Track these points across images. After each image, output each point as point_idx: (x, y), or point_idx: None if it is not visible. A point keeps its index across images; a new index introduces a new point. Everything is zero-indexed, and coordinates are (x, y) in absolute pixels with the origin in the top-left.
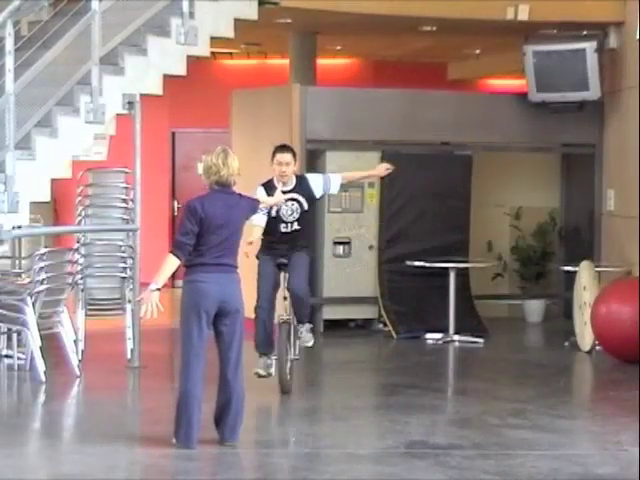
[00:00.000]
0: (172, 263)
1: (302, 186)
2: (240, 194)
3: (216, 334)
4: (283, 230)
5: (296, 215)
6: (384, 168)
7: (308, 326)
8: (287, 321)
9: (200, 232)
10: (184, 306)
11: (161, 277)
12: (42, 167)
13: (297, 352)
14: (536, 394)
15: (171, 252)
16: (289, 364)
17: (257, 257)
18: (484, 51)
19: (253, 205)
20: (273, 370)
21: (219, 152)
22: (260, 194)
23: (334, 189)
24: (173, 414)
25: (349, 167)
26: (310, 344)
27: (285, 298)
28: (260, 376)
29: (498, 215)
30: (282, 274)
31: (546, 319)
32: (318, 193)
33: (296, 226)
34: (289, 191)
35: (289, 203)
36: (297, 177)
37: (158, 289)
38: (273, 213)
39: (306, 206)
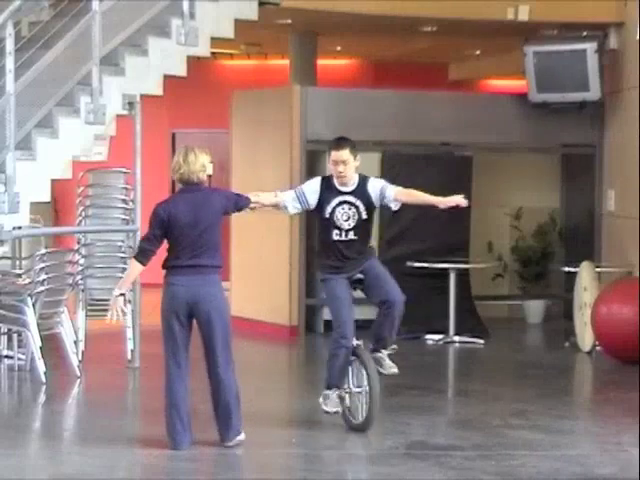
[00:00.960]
0: (135, 268)
1: (362, 189)
2: (213, 189)
3: (201, 337)
4: (336, 237)
5: (352, 223)
6: (457, 200)
7: (386, 352)
8: (359, 346)
9: (168, 234)
10: (161, 309)
11: (125, 282)
12: (42, 167)
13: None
14: (536, 395)
15: (134, 257)
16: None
17: (321, 280)
18: (484, 52)
19: (228, 198)
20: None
21: (180, 150)
22: (306, 186)
23: (393, 204)
24: None
25: None
26: (396, 371)
27: None
28: (331, 413)
29: (498, 216)
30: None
31: (546, 320)
32: (376, 202)
33: (352, 236)
34: (348, 193)
35: (345, 207)
36: (360, 177)
37: (122, 294)
38: (327, 214)
39: (365, 214)
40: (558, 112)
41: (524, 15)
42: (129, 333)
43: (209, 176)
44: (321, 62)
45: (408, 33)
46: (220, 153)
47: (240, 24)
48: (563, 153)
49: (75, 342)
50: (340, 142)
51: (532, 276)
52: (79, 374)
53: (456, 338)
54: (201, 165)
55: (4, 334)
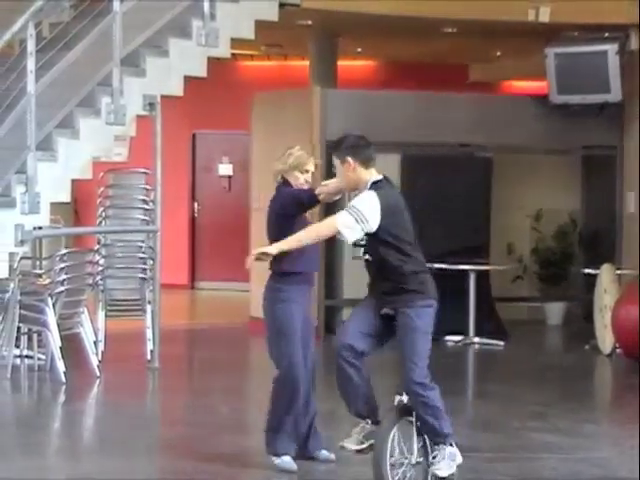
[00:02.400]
0: None
1: None
2: (279, 190)
3: None
4: (365, 258)
5: (362, 239)
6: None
7: (447, 451)
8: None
9: None
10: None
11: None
12: (63, 168)
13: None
14: (556, 397)
15: None
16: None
17: None
18: (505, 53)
19: (282, 197)
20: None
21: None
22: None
23: None
24: (192, 415)
25: None
26: (444, 474)
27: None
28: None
29: (518, 217)
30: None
31: (566, 322)
32: None
33: (367, 256)
34: None
35: None
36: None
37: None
38: None
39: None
40: (579, 114)
41: (545, 16)
42: (149, 334)
43: (229, 177)
44: (341, 63)
45: (428, 34)
46: (240, 154)
47: (260, 25)
48: (583, 155)
49: (95, 342)
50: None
51: (552, 278)
52: (99, 374)
53: (476, 340)
54: (290, 164)
55: (24, 334)
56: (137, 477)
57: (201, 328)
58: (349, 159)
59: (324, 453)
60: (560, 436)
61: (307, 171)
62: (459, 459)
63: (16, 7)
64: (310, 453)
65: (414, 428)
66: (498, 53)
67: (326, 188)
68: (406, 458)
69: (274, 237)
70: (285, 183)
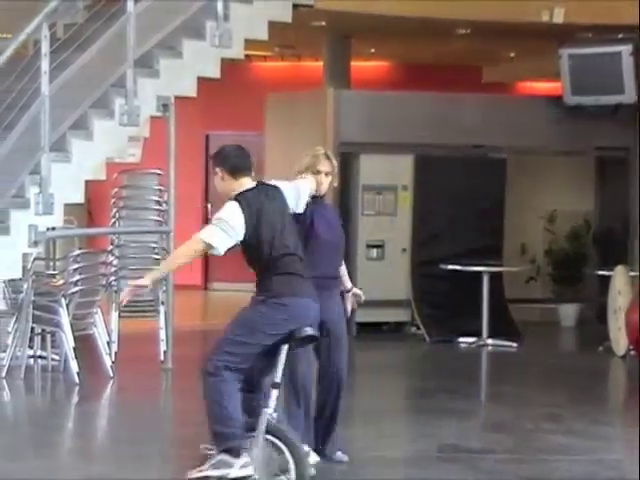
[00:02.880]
0: None
1: None
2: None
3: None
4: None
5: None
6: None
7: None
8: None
9: None
10: None
11: None
12: (77, 169)
13: None
14: (570, 399)
15: None
16: None
17: None
18: (519, 54)
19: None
20: None
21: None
22: None
23: None
24: (205, 416)
25: (383, 170)
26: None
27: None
28: None
29: (532, 218)
30: None
31: (580, 323)
32: None
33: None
34: None
35: None
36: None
37: None
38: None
39: None
40: (593, 115)
41: (559, 17)
42: (162, 334)
43: None
44: (355, 64)
45: (442, 35)
46: (254, 155)
47: (274, 26)
48: (597, 156)
49: (108, 343)
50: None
51: (566, 279)
52: (112, 375)
53: (489, 341)
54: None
55: (38, 334)
56: (150, 477)
57: (214, 329)
58: (217, 169)
59: (339, 455)
60: (574, 438)
61: (319, 172)
62: None
63: (30, 8)
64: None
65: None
66: (512, 54)
67: None
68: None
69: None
70: None
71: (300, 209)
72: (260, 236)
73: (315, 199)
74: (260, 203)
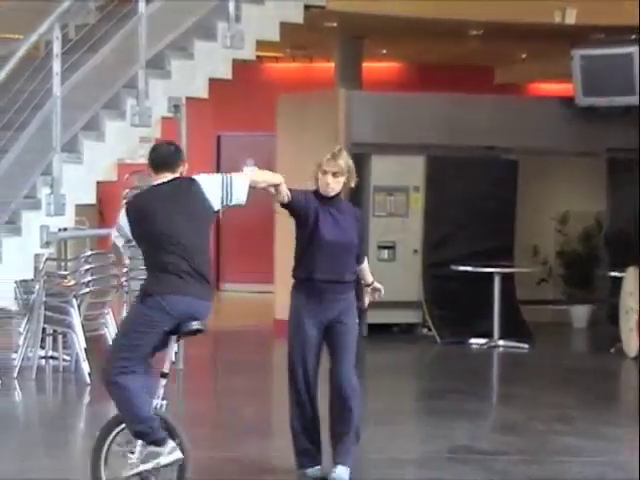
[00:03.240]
0: None
1: None
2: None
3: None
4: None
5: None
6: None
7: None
8: None
9: None
10: None
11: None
12: (88, 170)
13: None
14: (581, 400)
15: None
16: None
17: None
18: (531, 55)
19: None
20: None
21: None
22: None
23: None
24: (217, 416)
25: (394, 171)
26: None
27: None
28: None
29: (544, 220)
30: None
31: (591, 324)
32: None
33: None
34: None
35: None
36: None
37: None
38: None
39: None
40: (604, 116)
41: (571, 19)
42: None
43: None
44: (366, 65)
45: (454, 36)
46: (265, 156)
47: (286, 27)
48: (609, 157)
49: None
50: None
51: (577, 280)
52: None
53: (501, 342)
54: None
55: (49, 335)
56: (161, 477)
57: (225, 330)
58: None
59: (335, 470)
60: (585, 439)
61: (325, 172)
62: None
63: (42, 9)
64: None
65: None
66: (524, 55)
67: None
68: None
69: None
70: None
71: (233, 201)
72: (143, 235)
73: (325, 199)
74: (149, 202)
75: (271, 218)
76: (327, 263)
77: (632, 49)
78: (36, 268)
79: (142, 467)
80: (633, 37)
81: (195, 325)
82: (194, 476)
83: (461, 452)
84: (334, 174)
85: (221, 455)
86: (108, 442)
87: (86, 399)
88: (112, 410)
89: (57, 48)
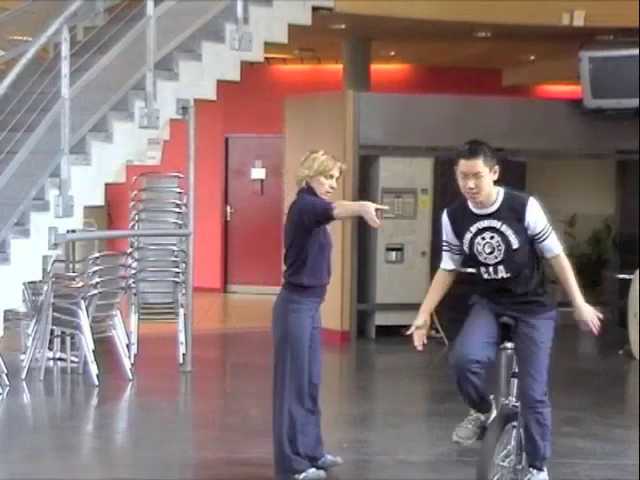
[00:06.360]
0: None
1: (510, 209)
2: (300, 197)
3: None
4: (486, 277)
5: (499, 255)
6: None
7: (539, 477)
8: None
9: None
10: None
11: None
12: (97, 171)
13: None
14: (589, 403)
15: None
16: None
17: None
18: (539, 57)
19: (302, 204)
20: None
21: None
22: (444, 232)
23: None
24: (224, 418)
25: (402, 173)
26: None
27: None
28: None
29: (552, 222)
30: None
31: (600, 327)
32: (530, 234)
33: (503, 273)
34: (488, 216)
35: (486, 235)
36: (506, 194)
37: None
38: (466, 248)
39: (516, 243)
40: (613, 118)
41: (579, 20)
42: (181, 337)
43: (262, 181)
44: (374, 67)
45: (462, 38)
46: (273, 158)
47: (294, 29)
48: (618, 159)
49: (127, 345)
50: (472, 148)
51: (586, 283)
52: (131, 377)
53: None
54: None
55: (58, 337)
56: (170, 477)
57: (233, 332)
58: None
59: (329, 458)
60: (593, 442)
61: (332, 176)
62: None
63: (51, 11)
64: (318, 461)
65: (515, 441)
66: (532, 57)
67: (344, 208)
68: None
69: (288, 246)
70: (308, 190)
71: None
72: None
73: None
74: None
75: (278, 220)
76: (328, 268)
77: None
78: (44, 270)
79: None
80: None
81: None
82: (199, 477)
83: (470, 455)
84: (337, 178)
85: (229, 456)
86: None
87: (94, 401)
88: (119, 412)
89: (65, 50)
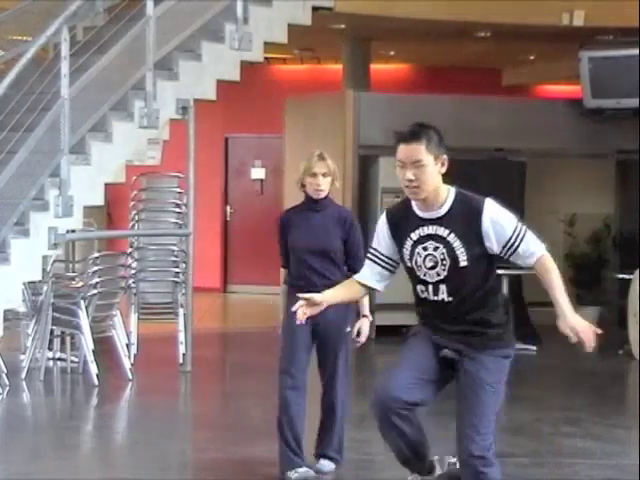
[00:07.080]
0: None
1: (462, 214)
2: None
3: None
4: (423, 296)
5: (442, 272)
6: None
7: None
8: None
9: None
10: None
11: None
12: (96, 171)
13: None
14: (589, 403)
15: None
16: None
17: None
18: (539, 57)
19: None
20: None
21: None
22: (376, 239)
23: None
24: (224, 418)
25: None
26: None
27: None
28: None
29: (552, 222)
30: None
31: (600, 327)
32: (492, 246)
33: (445, 295)
34: (434, 221)
35: (429, 245)
36: (459, 196)
37: None
38: (406, 259)
39: (464, 259)
40: (613, 118)
41: (579, 20)
42: (181, 337)
43: (262, 181)
44: (374, 67)
45: (462, 38)
46: (273, 158)
47: (293, 29)
48: (617, 159)
49: (127, 345)
50: (414, 130)
51: (586, 283)
52: (131, 377)
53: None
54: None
55: (57, 337)
56: (169, 477)
57: (233, 331)
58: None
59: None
60: (593, 442)
61: (314, 175)
62: None
63: (51, 11)
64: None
65: None
66: (532, 57)
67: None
68: None
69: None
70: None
71: None
72: None
73: (313, 203)
74: None
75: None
76: (303, 270)
77: None
78: (44, 270)
79: None
80: None
81: None
82: (199, 477)
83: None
84: (323, 175)
85: (228, 457)
86: None
87: (94, 401)
88: (119, 412)
89: (65, 50)
